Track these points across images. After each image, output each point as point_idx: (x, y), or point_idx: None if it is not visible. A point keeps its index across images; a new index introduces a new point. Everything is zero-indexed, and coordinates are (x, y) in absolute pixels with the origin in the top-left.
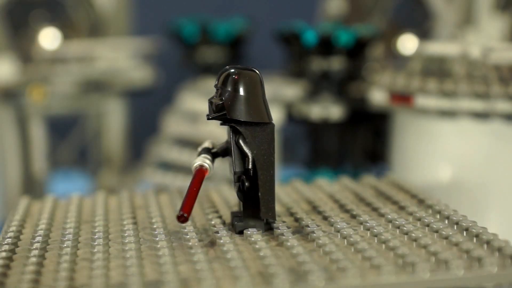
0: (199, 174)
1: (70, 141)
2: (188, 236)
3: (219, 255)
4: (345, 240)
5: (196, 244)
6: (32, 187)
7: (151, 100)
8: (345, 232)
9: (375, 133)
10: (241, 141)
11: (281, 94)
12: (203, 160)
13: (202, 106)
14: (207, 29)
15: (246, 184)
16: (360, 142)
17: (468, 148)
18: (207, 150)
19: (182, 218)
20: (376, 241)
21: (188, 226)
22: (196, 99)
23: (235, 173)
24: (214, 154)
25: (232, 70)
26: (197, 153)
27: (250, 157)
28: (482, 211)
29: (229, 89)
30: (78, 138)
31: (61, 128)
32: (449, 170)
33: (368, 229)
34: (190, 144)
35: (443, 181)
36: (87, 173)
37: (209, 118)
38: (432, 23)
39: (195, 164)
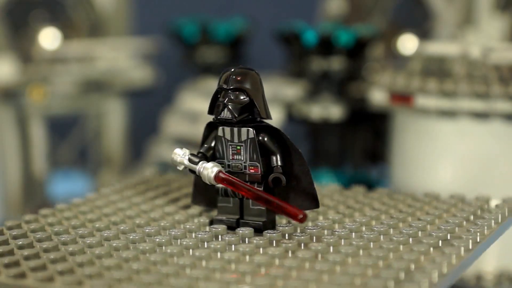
0: (227, 175)
1: (70, 141)
2: (260, 241)
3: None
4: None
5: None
6: (32, 187)
7: (151, 100)
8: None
9: (375, 133)
10: (268, 139)
11: (281, 94)
12: (215, 165)
13: (202, 106)
14: (207, 29)
15: (284, 180)
16: (360, 142)
17: (468, 148)
18: (196, 156)
19: (304, 217)
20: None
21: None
22: (196, 99)
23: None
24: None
25: (242, 70)
26: (187, 161)
27: (279, 154)
28: None
29: (252, 89)
30: (78, 138)
31: (61, 128)
32: (449, 170)
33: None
34: (190, 144)
35: (442, 181)
36: (87, 173)
37: (235, 120)
38: (432, 23)
39: (213, 174)
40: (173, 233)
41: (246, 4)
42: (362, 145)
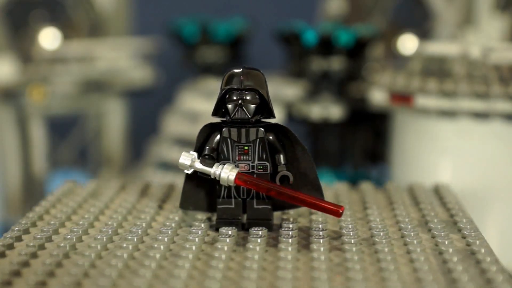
0: (249, 176)
1: (70, 141)
2: (283, 242)
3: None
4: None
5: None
6: (32, 187)
7: (151, 100)
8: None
9: (375, 133)
10: (274, 138)
11: (281, 94)
12: (233, 166)
13: (202, 106)
14: (207, 29)
15: (291, 178)
16: (360, 142)
17: (468, 148)
18: (207, 158)
19: (343, 212)
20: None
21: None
22: (196, 99)
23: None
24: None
25: (251, 70)
26: (199, 165)
27: (283, 152)
28: (482, 210)
29: (261, 89)
30: (78, 138)
31: (61, 128)
32: (449, 170)
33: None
34: (190, 144)
35: (443, 181)
36: (87, 173)
37: (253, 120)
38: (432, 23)
39: (235, 176)
40: (191, 238)
41: (246, 4)
42: (362, 145)
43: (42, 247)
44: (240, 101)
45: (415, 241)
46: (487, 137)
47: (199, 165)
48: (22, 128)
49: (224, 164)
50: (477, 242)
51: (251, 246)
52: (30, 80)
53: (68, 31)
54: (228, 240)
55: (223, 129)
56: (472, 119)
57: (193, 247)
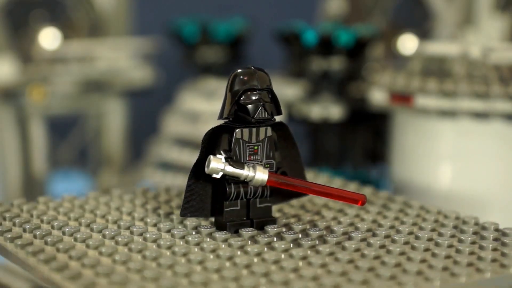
0: (278, 174)
1: (70, 141)
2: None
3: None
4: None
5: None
6: (32, 187)
7: (151, 100)
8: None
9: (375, 133)
10: (275, 136)
11: (281, 94)
12: (262, 168)
13: (202, 106)
14: (207, 29)
15: (289, 174)
16: (360, 142)
17: (468, 148)
18: (235, 161)
19: (365, 201)
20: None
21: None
22: (196, 99)
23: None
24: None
25: (261, 71)
26: (230, 168)
27: (279, 149)
28: (482, 211)
29: (271, 88)
30: (78, 138)
31: (61, 128)
32: (449, 170)
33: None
34: (190, 144)
35: (443, 181)
36: (87, 173)
37: (274, 120)
38: (432, 23)
39: (266, 176)
40: (233, 242)
41: (246, 4)
42: (362, 145)
43: (87, 256)
44: (262, 101)
45: (429, 226)
46: (487, 137)
47: (229, 168)
48: (22, 128)
49: (255, 166)
50: (479, 218)
51: (307, 242)
52: (30, 80)
53: (68, 31)
54: (281, 241)
55: (236, 130)
56: (472, 119)
57: (253, 252)
